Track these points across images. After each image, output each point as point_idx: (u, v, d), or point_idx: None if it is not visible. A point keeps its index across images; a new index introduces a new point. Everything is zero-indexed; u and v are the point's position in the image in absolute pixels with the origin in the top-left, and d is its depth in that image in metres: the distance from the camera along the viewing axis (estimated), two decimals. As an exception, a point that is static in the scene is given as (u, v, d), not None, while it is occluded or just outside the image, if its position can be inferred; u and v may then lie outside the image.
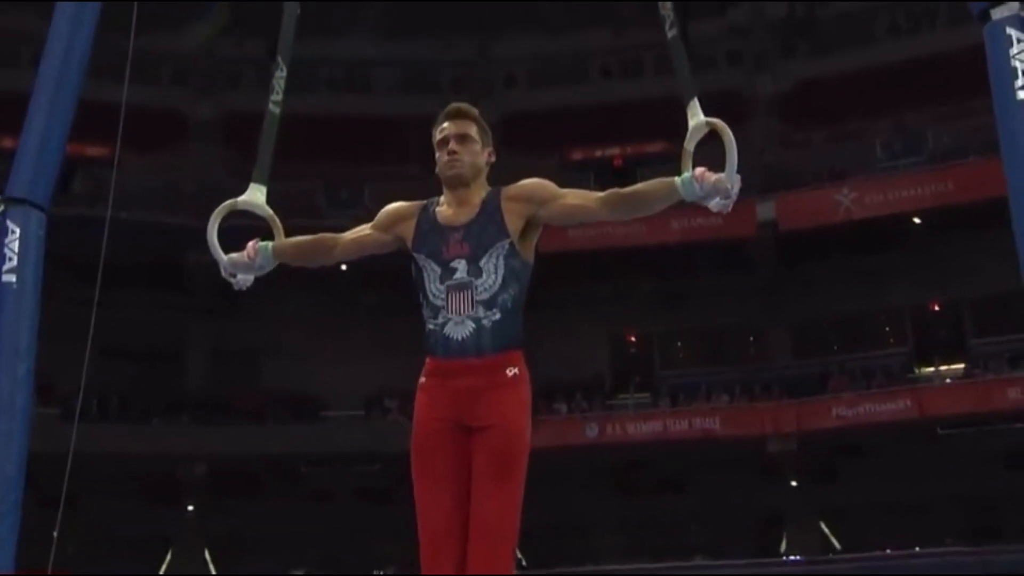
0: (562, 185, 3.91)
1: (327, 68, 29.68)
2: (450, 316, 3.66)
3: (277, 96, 4.26)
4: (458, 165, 3.78)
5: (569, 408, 26.87)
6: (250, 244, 4.07)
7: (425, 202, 3.88)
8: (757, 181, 27.83)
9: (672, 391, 28.02)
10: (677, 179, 3.71)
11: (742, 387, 27.60)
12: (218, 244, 4.06)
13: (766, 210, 26.60)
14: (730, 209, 3.74)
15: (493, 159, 3.88)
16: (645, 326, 29.42)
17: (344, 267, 27.20)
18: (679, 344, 30.18)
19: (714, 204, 3.72)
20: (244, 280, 4.09)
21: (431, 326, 3.72)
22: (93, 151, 22.64)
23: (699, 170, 3.71)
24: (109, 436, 23.48)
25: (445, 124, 3.85)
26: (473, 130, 3.83)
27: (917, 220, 26.82)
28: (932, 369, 27.54)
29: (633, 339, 30.47)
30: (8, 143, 22.07)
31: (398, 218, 3.90)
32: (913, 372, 27.52)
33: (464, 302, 3.65)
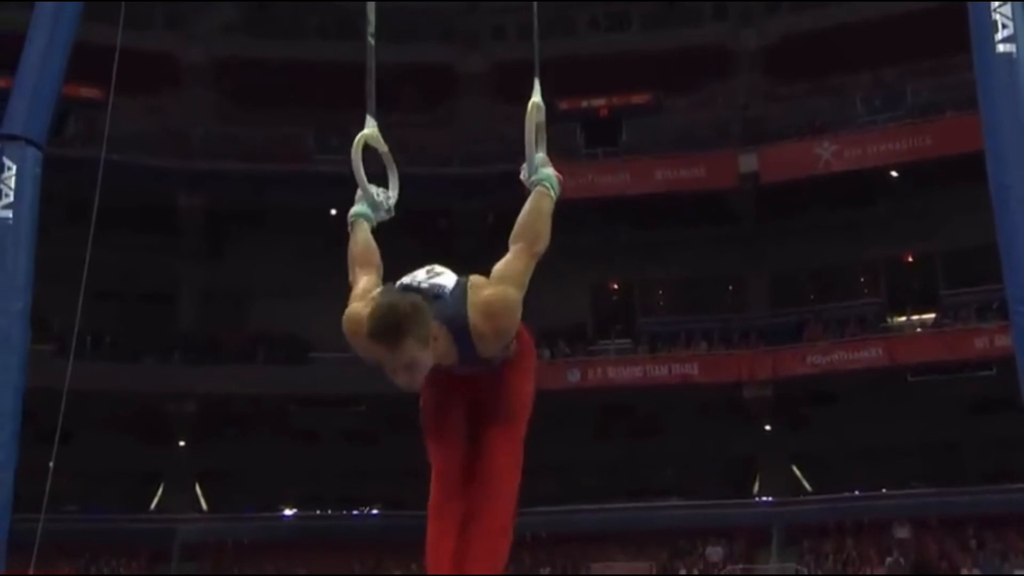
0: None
1: (318, 16, 29.39)
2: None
3: (372, 28, 4.16)
4: (415, 384, 3.30)
5: (552, 354, 26.94)
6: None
7: None
8: (740, 134, 27.81)
9: (652, 338, 28.10)
10: (548, 192, 3.68)
11: (720, 334, 27.71)
12: (363, 172, 3.93)
13: (748, 162, 26.60)
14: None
15: (436, 338, 3.28)
16: (626, 274, 29.45)
17: (334, 211, 27.19)
18: (659, 292, 30.24)
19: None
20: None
21: None
22: (86, 93, 22.38)
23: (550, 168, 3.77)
24: (102, 374, 23.44)
25: (380, 353, 3.20)
26: (412, 349, 3.17)
27: (894, 174, 26.85)
28: (904, 319, 27.70)
29: (615, 287, 30.52)
30: (1, 82, 21.85)
31: None
32: (886, 322, 27.67)
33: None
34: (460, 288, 3.42)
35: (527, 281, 3.54)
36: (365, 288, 3.60)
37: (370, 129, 4.03)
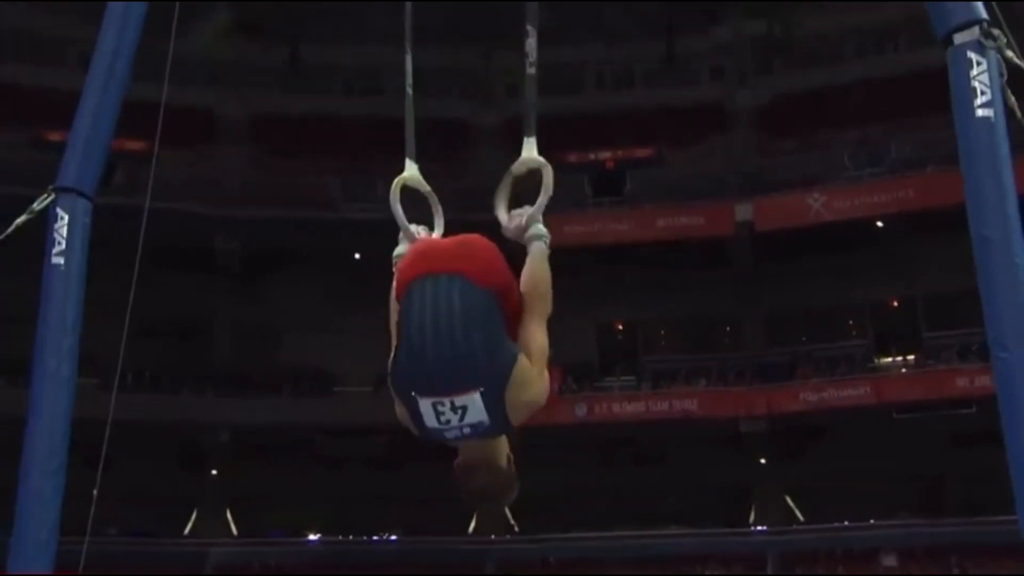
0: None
1: (344, 74, 29.66)
2: None
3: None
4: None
5: (560, 389, 26.86)
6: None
7: None
8: (736, 185, 27.89)
9: (654, 375, 28.05)
10: (542, 245, 3.48)
11: (718, 372, 27.64)
12: (402, 212, 3.78)
13: (744, 211, 26.66)
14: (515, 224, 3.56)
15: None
16: (631, 315, 29.44)
17: (358, 255, 27.30)
18: (661, 332, 30.20)
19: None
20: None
21: None
22: (131, 146, 22.57)
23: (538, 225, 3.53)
24: (143, 405, 23.50)
25: None
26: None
27: (880, 223, 26.87)
28: (890, 359, 27.62)
29: (619, 327, 30.49)
30: (56, 136, 22.06)
31: None
32: (873, 362, 27.59)
33: None
34: (496, 412, 3.16)
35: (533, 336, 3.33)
36: None
37: (409, 172, 3.90)
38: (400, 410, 3.36)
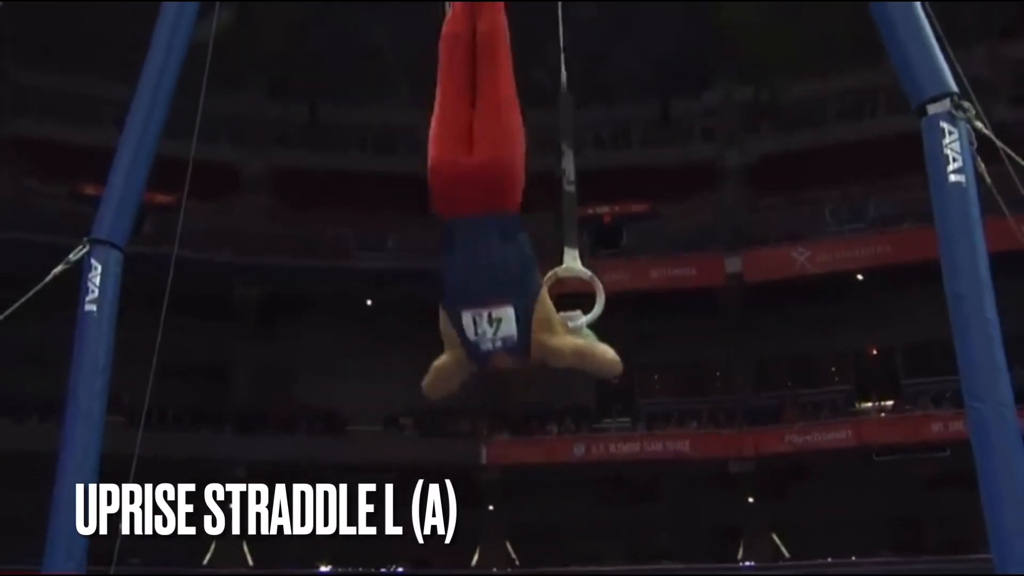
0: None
1: (359, 132, 29.88)
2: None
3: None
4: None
5: (559, 430, 26.77)
6: None
7: None
8: (726, 239, 27.97)
9: (649, 417, 27.94)
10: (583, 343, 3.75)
11: (709, 415, 27.53)
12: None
13: (733, 264, 26.72)
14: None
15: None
16: (626, 360, 29.02)
17: (369, 302, 27.32)
18: (656, 376, 30.11)
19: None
20: None
21: None
22: (160, 199, 22.68)
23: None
24: (165, 442, 23.39)
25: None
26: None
27: (860, 276, 26.91)
28: (870, 404, 27.53)
29: (616, 371, 30.37)
30: (91, 190, 22.21)
31: None
32: (854, 407, 27.49)
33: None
34: (524, 329, 3.41)
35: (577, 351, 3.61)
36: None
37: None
38: (449, 330, 3.53)
